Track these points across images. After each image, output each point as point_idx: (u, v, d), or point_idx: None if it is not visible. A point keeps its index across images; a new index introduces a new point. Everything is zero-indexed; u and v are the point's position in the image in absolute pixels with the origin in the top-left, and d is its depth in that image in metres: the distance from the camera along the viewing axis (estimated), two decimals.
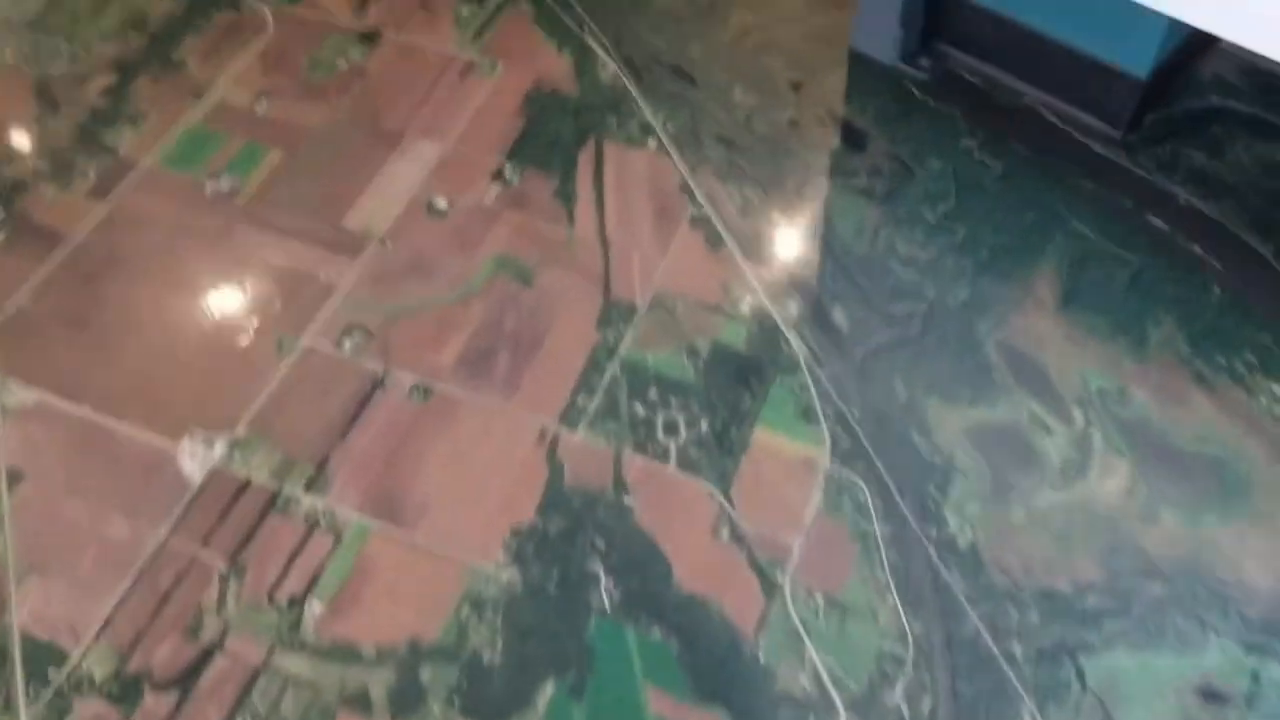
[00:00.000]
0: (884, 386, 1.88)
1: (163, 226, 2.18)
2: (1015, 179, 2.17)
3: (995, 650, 1.59)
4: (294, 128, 2.35)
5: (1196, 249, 2.04)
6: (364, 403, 1.91)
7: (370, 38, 2.53)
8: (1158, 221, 2.08)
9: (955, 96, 2.32)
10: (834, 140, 2.26)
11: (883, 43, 2.39)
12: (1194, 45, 2.25)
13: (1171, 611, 1.63)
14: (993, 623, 1.62)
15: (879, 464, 1.79)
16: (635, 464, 1.81)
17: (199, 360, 1.97)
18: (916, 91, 2.35)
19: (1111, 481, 1.75)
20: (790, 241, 2.09)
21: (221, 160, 2.29)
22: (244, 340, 1.99)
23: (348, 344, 1.98)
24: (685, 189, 2.20)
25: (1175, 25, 1.95)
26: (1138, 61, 2.10)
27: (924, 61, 2.39)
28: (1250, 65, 2.31)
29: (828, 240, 2.09)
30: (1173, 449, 1.78)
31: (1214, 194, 2.12)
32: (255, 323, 2.02)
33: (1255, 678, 1.56)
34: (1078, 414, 1.83)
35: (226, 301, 2.05)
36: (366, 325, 2.01)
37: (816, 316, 1.98)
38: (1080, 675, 1.57)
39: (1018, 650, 1.60)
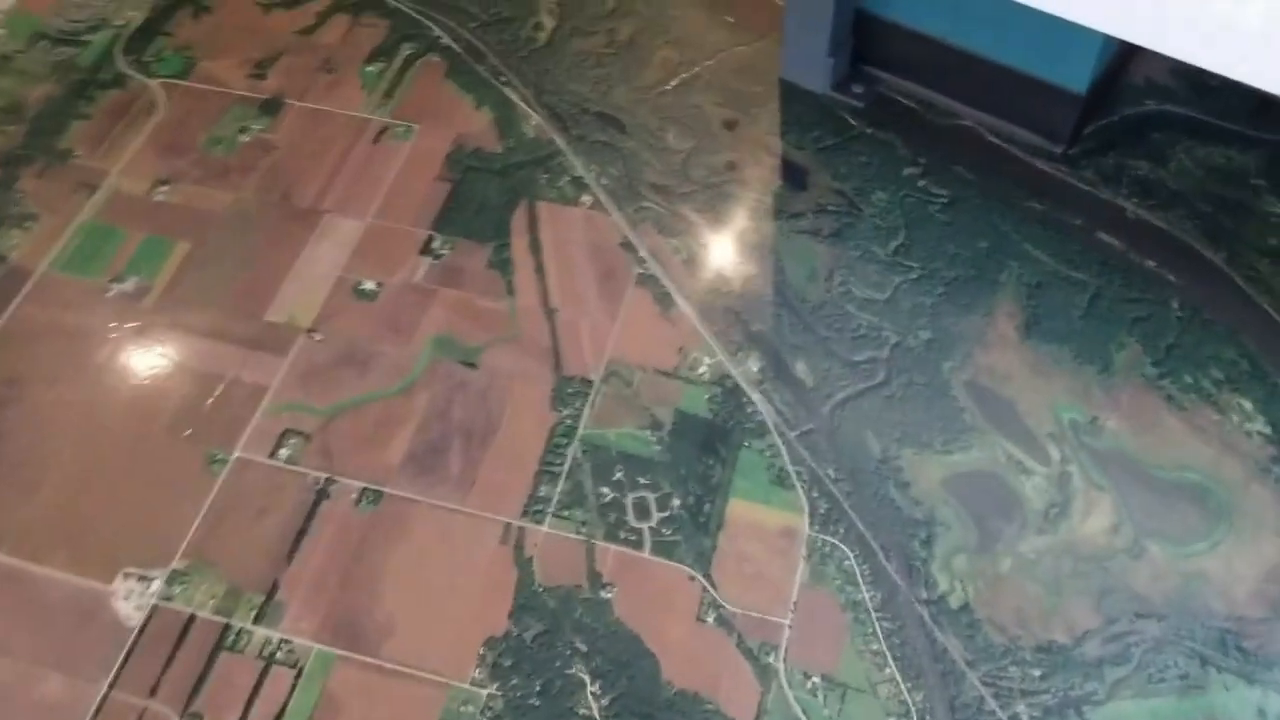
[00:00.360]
0: (856, 441, 1.88)
1: (65, 340, 2.09)
2: (962, 205, 2.19)
3: (1001, 715, 1.61)
4: (199, 214, 2.27)
5: (1151, 263, 2.08)
6: (309, 516, 1.85)
7: (273, 106, 2.46)
8: (1109, 238, 2.13)
9: (892, 122, 2.34)
10: (775, 180, 2.27)
11: (813, 72, 2.40)
12: (1126, 52, 2.30)
13: (1170, 651, 1.66)
14: (995, 684, 1.63)
15: (860, 525, 1.79)
16: (609, 554, 1.79)
17: (123, 487, 1.90)
18: (852, 120, 2.36)
19: (1095, 519, 1.78)
20: (743, 295, 2.08)
21: (123, 259, 2.21)
22: (170, 459, 1.92)
23: (284, 452, 1.93)
24: (627, 246, 2.18)
25: (1111, 38, 1.99)
26: (1075, 77, 2.14)
27: (856, 88, 2.41)
28: (1179, 66, 2.37)
29: (781, 289, 2.09)
30: (1151, 478, 1.82)
31: (1162, 204, 2.17)
32: (180, 439, 1.95)
33: (1262, 713, 1.59)
34: (1053, 451, 1.85)
35: (146, 418, 1.97)
36: (303, 428, 1.96)
37: (778, 372, 1.97)
38: None
39: (1023, 711, 1.61)
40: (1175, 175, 2.21)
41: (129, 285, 2.17)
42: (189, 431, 1.95)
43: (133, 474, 1.90)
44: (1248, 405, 1.88)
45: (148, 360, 2.04)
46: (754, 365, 1.98)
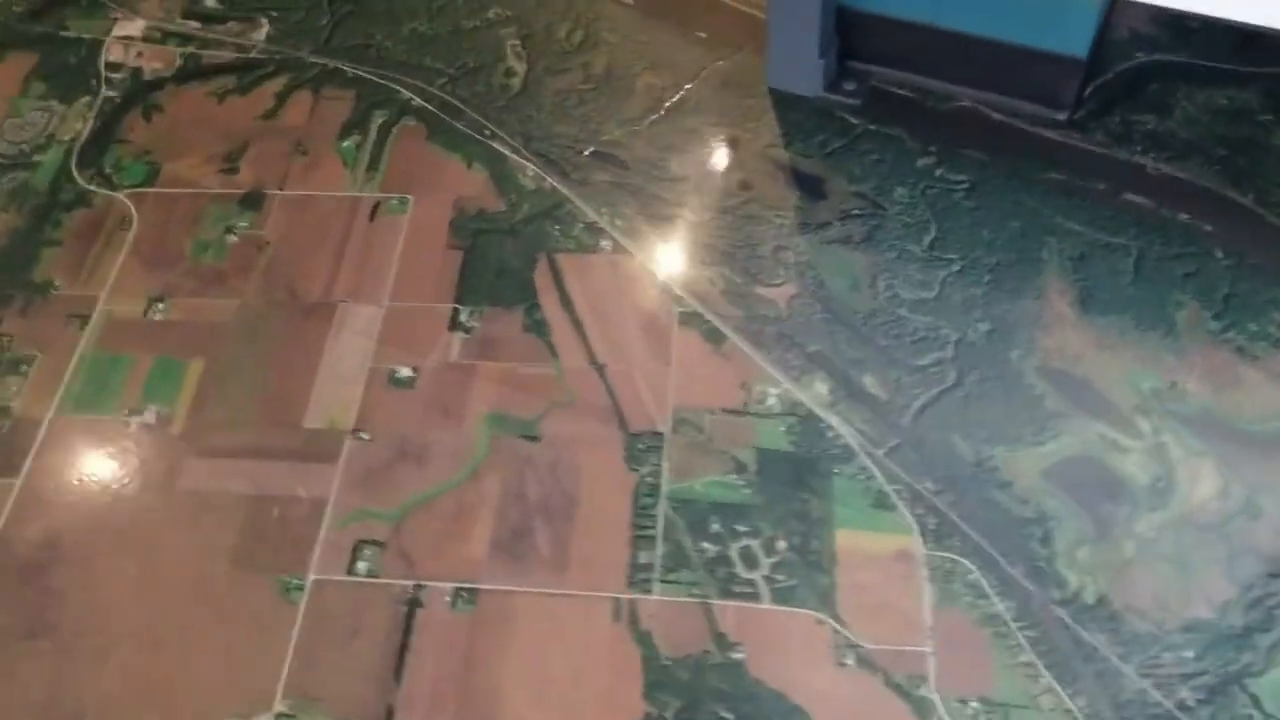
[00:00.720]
0: (945, 447, 1.81)
1: (96, 487, 1.92)
2: (985, 188, 2.14)
3: (1166, 704, 1.55)
4: (205, 328, 2.11)
5: (1184, 216, 2.05)
6: (406, 629, 1.72)
7: (253, 200, 2.31)
8: (1137, 198, 2.09)
9: (892, 114, 2.27)
10: (792, 193, 2.18)
11: (803, 76, 2.32)
12: (1107, 7, 2.27)
13: None
14: (1152, 674, 1.58)
15: (974, 535, 1.72)
16: (728, 611, 1.69)
17: (199, 636, 1.74)
18: (852, 119, 2.29)
19: (1202, 485, 1.73)
20: (790, 316, 2.00)
21: (135, 389, 2.04)
22: (242, 596, 1.77)
23: (362, 565, 1.79)
24: (660, 287, 2.08)
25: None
26: (1075, 42, 2.10)
27: (848, 86, 2.34)
28: (1158, 13, 2.35)
29: (828, 304, 2.01)
30: (1245, 434, 1.78)
31: (1178, 155, 2.14)
32: (248, 572, 1.80)
33: None
34: (1143, 423, 1.81)
35: (205, 557, 1.82)
36: (375, 536, 1.82)
37: (849, 391, 1.89)
38: (1256, 701, 1.54)
39: (1187, 696, 1.56)
40: (1183, 124, 2.18)
41: (149, 416, 2.00)
42: (253, 563, 1.80)
43: (206, 620, 1.75)
44: None
45: (191, 494, 1.89)
46: (822, 388, 1.90)
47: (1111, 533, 1.70)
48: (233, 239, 2.25)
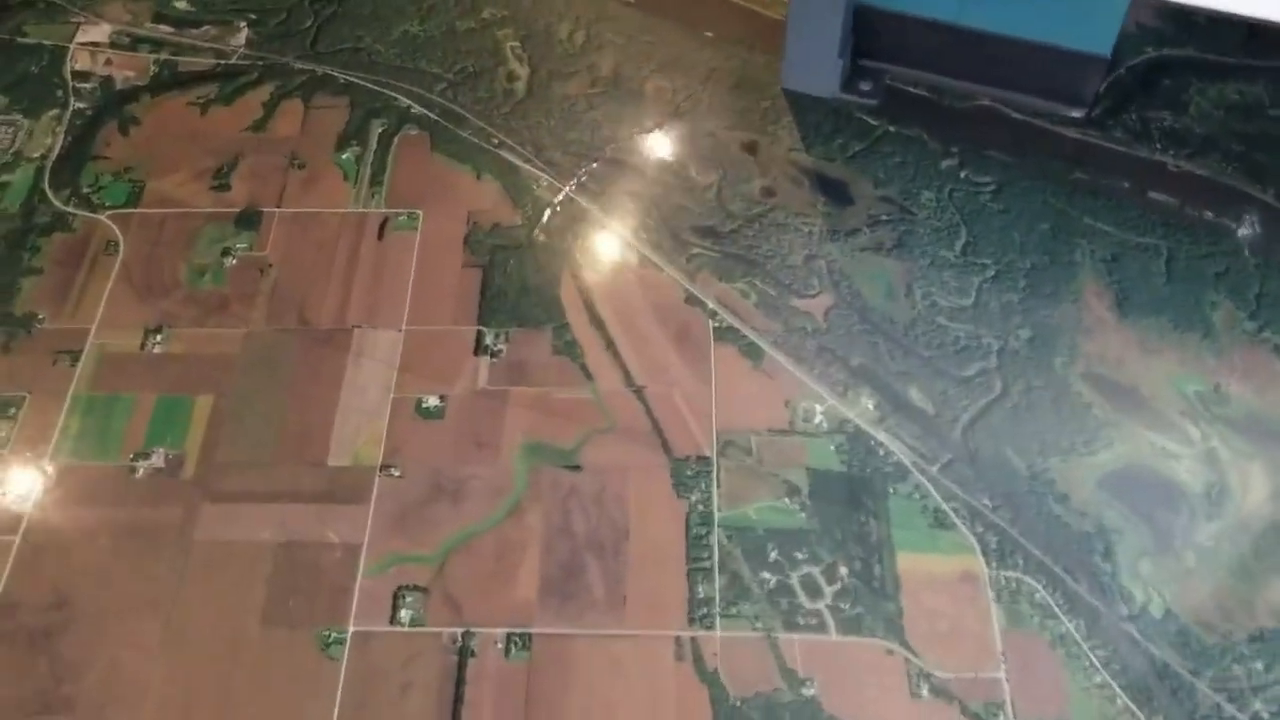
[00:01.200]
0: (999, 461, 1.75)
1: (106, 540, 1.76)
2: (1011, 190, 2.06)
3: (1241, 718, 1.51)
4: (210, 360, 1.95)
5: (1209, 214, 2.00)
6: (459, 680, 1.61)
7: (249, 219, 2.14)
8: (1161, 196, 2.04)
9: (910, 114, 2.19)
10: (818, 198, 2.09)
11: (820, 76, 2.22)
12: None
13: None
14: (1225, 688, 1.54)
15: (1036, 552, 1.66)
16: (795, 645, 1.61)
17: (237, 699, 1.60)
18: (870, 119, 2.20)
19: (1255, 489, 1.69)
20: (829, 328, 1.91)
21: (139, 431, 1.88)
22: (279, 654, 1.64)
23: (405, 613, 1.67)
24: (692, 300, 1.97)
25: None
26: (1099, 41, 2.03)
27: (864, 85, 2.24)
28: (1164, 8, 2.29)
29: (866, 314, 1.92)
30: None
31: (1196, 151, 2.09)
32: (283, 628, 1.66)
33: None
34: (1191, 429, 1.76)
35: (234, 613, 1.68)
36: (416, 581, 1.70)
37: (896, 405, 1.81)
38: None
39: (1261, 709, 1.52)
40: (1198, 120, 2.13)
41: (157, 460, 1.84)
42: (286, 617, 1.66)
43: (240, 683, 1.61)
44: None
45: (211, 545, 1.74)
46: (868, 403, 1.81)
47: (1172, 544, 1.65)
48: (231, 262, 2.08)
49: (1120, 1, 1.93)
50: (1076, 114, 2.16)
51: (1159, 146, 2.11)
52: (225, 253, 2.09)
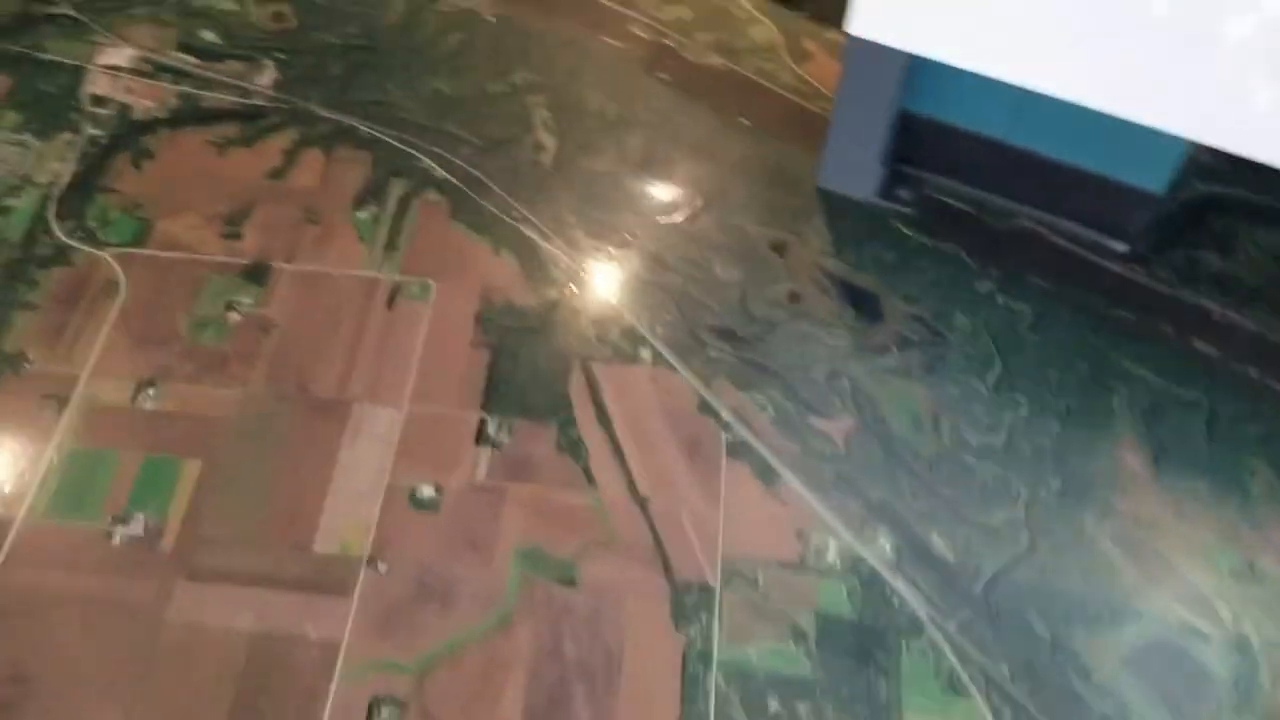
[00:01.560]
0: (1020, 624, 1.63)
1: (74, 610, 1.63)
2: (1049, 321, 1.95)
3: None
4: (203, 422, 1.83)
5: (1253, 372, 1.89)
6: None
7: (259, 273, 2.02)
8: (1205, 346, 1.93)
9: (948, 229, 2.08)
10: (845, 309, 1.97)
11: (858, 179, 2.11)
12: None
13: None
14: None
15: None
16: None
17: None
18: (906, 229, 2.09)
19: None
20: (849, 455, 1.79)
21: (122, 492, 1.75)
22: None
23: None
24: (706, 408, 1.86)
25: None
26: (1153, 178, 1.93)
27: (902, 193, 2.14)
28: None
29: (888, 443, 1.81)
30: None
31: (1242, 300, 1.98)
32: None
33: None
34: (1223, 609, 1.64)
35: (199, 706, 1.55)
36: (394, 692, 1.57)
37: (915, 550, 1.69)
38: None
39: None
40: (1247, 268, 2.02)
41: (136, 527, 1.71)
42: (254, 717, 1.53)
43: None
44: None
45: (184, 627, 1.61)
46: (886, 544, 1.69)
47: None
48: (235, 318, 1.96)
49: (1180, 141, 1.82)
50: (1121, 248, 2.05)
51: (1205, 291, 2.00)
52: (230, 306, 1.97)
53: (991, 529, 1.70)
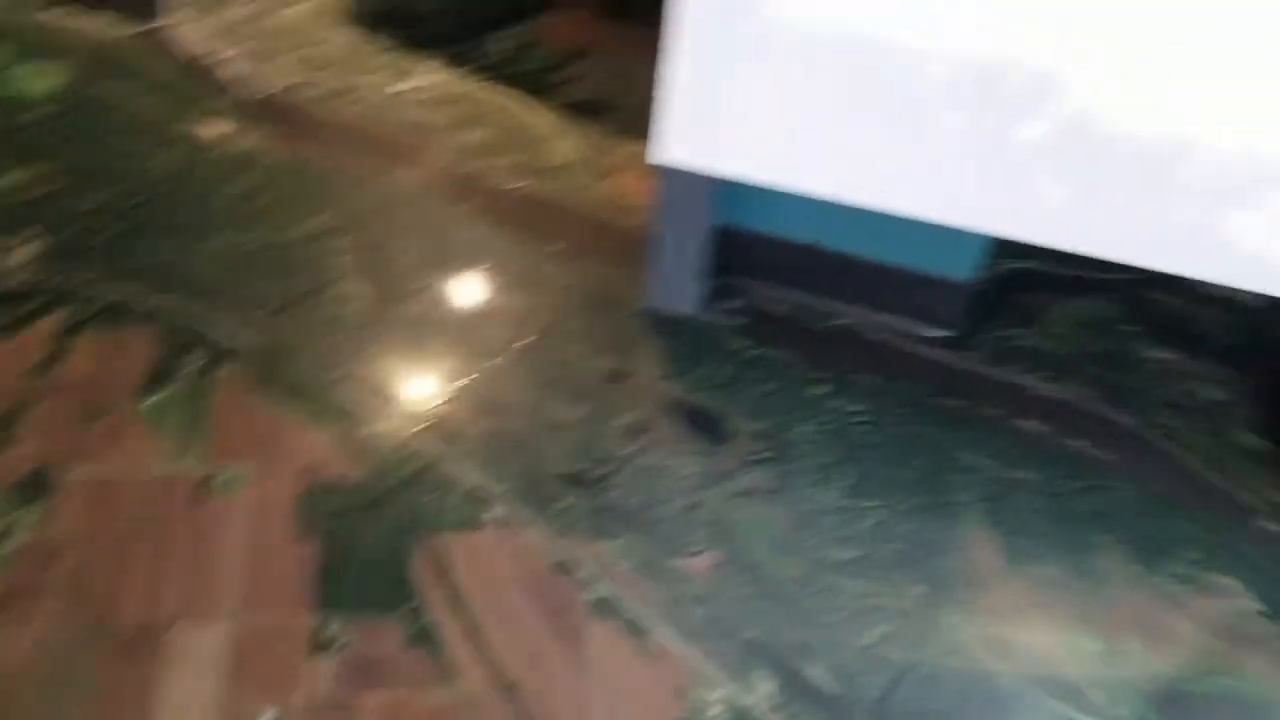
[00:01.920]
0: None
1: None
2: (885, 419, 1.95)
3: None
4: None
5: (1079, 444, 1.95)
6: None
7: (37, 485, 1.76)
8: (1029, 423, 1.97)
9: (777, 336, 2.06)
10: (690, 435, 1.91)
11: (683, 296, 2.06)
12: None
13: None
14: None
15: None
16: None
17: None
18: (737, 342, 2.06)
19: None
20: (716, 593, 1.71)
21: None
22: None
23: None
24: (562, 567, 1.73)
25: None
26: (960, 266, 1.97)
27: (729, 303, 2.11)
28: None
29: (753, 572, 1.74)
30: (1191, 698, 1.66)
31: (1056, 373, 2.05)
32: None
33: None
34: (1095, 695, 1.65)
35: None
36: None
37: (797, 688, 1.62)
38: None
39: None
40: (1054, 339, 2.10)
41: None
42: None
43: None
44: (1230, 582, 1.77)
45: None
46: (768, 685, 1.62)
47: None
48: (12, 545, 1.69)
49: (982, 235, 1.87)
50: (941, 334, 2.08)
51: (1019, 368, 2.05)
52: (6, 532, 1.70)
53: (868, 650, 1.65)
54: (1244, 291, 2.03)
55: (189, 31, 2.64)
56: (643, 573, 1.72)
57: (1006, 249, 2.14)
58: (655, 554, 1.74)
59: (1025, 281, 2.18)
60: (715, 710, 1.59)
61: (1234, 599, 1.76)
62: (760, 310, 2.09)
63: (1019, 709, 1.61)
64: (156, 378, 1.89)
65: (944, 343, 2.06)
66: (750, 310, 2.08)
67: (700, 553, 1.75)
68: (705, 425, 1.91)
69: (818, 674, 1.63)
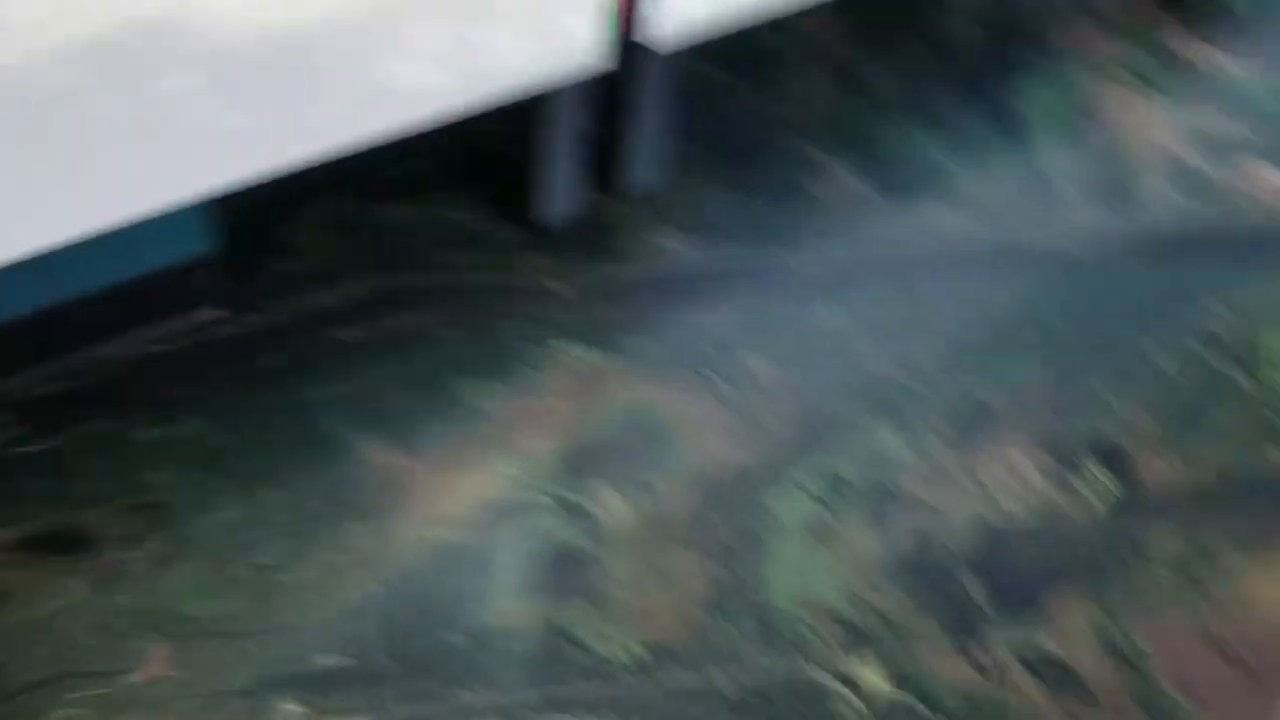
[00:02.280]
0: None
1: None
2: (240, 422, 1.85)
3: None
4: None
5: (393, 323, 2.04)
6: None
7: None
8: (350, 336, 2.01)
9: (57, 421, 1.80)
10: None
11: None
12: None
13: None
14: None
15: None
16: None
17: None
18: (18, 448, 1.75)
19: None
20: None
21: None
22: None
23: None
24: None
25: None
26: (195, 243, 1.89)
27: None
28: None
29: None
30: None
31: (319, 285, 2.09)
32: None
33: None
34: None
35: None
36: None
37: None
38: None
39: None
40: (305, 258, 2.14)
41: None
42: None
43: None
44: None
45: None
46: None
47: None
48: None
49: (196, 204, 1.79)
50: (221, 313, 1.99)
51: (299, 300, 2.06)
52: None
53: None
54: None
55: None
56: None
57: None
58: None
59: (261, 218, 2.15)
60: None
61: None
62: (43, 399, 1.79)
63: None
64: None
65: (231, 317, 1.97)
66: (34, 406, 1.76)
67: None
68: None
69: None
